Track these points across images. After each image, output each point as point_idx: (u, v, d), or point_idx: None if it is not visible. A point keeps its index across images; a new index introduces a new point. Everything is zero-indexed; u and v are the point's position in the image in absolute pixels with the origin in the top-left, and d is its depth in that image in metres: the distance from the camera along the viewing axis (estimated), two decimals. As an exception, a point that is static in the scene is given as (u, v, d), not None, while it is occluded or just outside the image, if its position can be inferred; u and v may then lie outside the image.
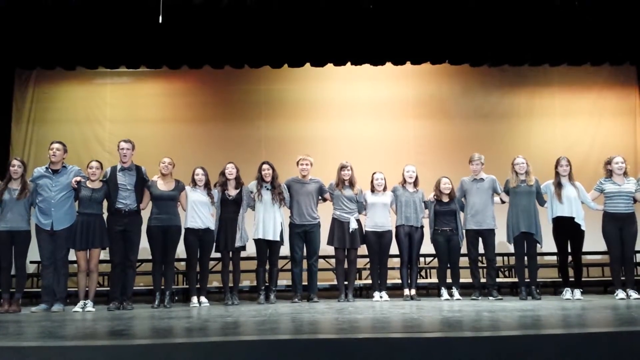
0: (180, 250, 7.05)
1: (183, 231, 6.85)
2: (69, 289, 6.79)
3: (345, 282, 7.24)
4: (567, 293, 6.90)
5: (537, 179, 7.20)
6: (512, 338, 3.72)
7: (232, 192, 7.03)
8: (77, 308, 6.29)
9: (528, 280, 7.12)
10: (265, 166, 7.10)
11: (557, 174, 7.08)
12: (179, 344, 3.73)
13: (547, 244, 7.34)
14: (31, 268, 8.60)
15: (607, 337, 3.75)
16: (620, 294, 6.75)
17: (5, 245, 6.38)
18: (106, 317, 5.65)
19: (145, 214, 6.81)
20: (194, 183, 6.93)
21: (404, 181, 7.37)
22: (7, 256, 6.41)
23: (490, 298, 6.97)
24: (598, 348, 3.58)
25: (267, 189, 7.05)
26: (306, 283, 7.31)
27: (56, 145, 6.59)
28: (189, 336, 4.13)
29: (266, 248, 7.03)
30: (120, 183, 6.58)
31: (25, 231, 6.46)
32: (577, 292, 6.88)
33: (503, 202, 7.33)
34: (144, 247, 6.88)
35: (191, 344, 3.71)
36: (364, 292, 8.18)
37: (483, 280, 7.31)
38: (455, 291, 7.13)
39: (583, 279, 7.22)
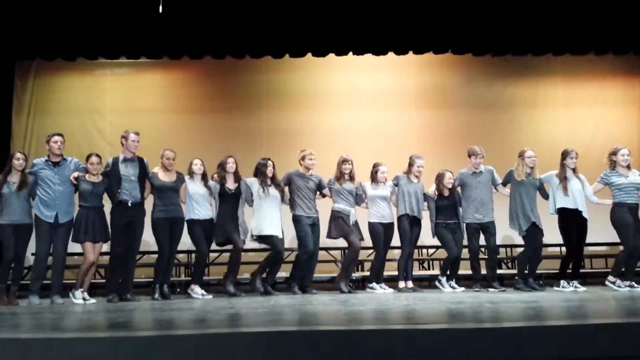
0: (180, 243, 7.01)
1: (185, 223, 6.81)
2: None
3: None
4: (566, 285, 6.85)
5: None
6: (517, 329, 3.70)
7: (232, 185, 6.97)
8: (79, 300, 6.27)
9: (526, 272, 7.08)
10: (270, 162, 7.02)
11: (564, 166, 6.99)
12: (183, 335, 3.71)
13: (548, 235, 7.29)
14: (30, 260, 8.59)
15: (610, 328, 3.73)
16: (619, 282, 6.72)
17: (9, 238, 6.29)
18: (108, 309, 5.63)
19: (147, 208, 6.75)
20: (192, 174, 6.88)
21: (409, 171, 7.31)
22: (11, 249, 6.34)
23: (491, 290, 6.92)
24: (600, 339, 3.56)
25: (270, 185, 6.98)
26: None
27: (59, 138, 6.47)
28: (193, 328, 4.11)
29: (271, 241, 6.93)
30: (123, 174, 6.49)
31: (27, 224, 6.41)
32: (576, 283, 6.86)
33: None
34: (144, 240, 6.84)
35: (195, 335, 3.69)
36: (366, 285, 8.14)
37: (482, 272, 7.26)
38: (454, 283, 7.12)
39: (586, 271, 7.20)
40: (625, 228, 6.77)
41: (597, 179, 7.08)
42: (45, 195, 6.36)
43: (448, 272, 7.20)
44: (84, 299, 6.30)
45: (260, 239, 6.93)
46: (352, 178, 7.21)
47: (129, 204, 6.46)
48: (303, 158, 7.18)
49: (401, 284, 7.18)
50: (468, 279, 7.41)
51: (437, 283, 7.23)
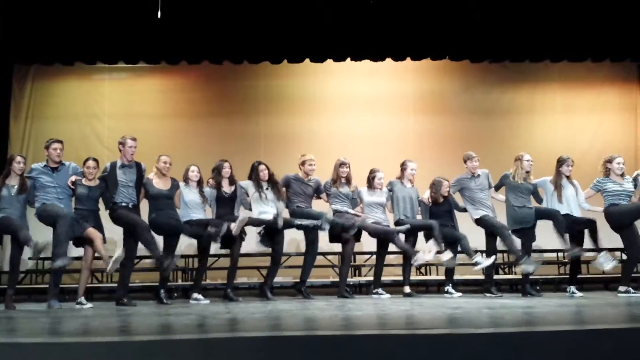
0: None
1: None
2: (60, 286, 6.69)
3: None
4: (568, 290, 6.87)
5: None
6: (515, 334, 3.70)
7: (228, 189, 6.96)
8: (118, 257, 6.18)
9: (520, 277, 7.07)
10: (262, 167, 6.98)
11: (559, 173, 6.99)
12: (181, 340, 3.70)
13: (545, 241, 7.30)
14: (29, 263, 8.58)
15: (609, 334, 3.73)
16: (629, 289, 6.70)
17: (14, 223, 6.13)
18: (106, 313, 5.62)
19: (143, 213, 6.73)
20: (187, 180, 6.86)
21: (402, 176, 7.33)
22: (22, 227, 6.14)
23: (488, 295, 6.90)
24: (599, 344, 3.56)
25: (267, 188, 6.98)
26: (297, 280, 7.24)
27: (59, 145, 6.39)
28: (192, 333, 4.10)
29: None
30: (120, 180, 6.47)
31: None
32: (573, 288, 6.87)
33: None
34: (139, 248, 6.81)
35: (192, 340, 3.68)
36: (363, 289, 8.15)
37: (480, 277, 7.24)
38: (450, 289, 7.12)
39: (584, 276, 7.19)
40: (624, 211, 6.73)
41: (590, 185, 7.08)
42: (47, 199, 6.30)
43: (441, 277, 7.18)
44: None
45: (265, 230, 6.85)
46: (348, 181, 7.21)
47: (130, 206, 6.46)
48: (303, 163, 7.14)
49: (406, 289, 7.15)
50: (466, 284, 7.40)
51: (475, 264, 6.94)
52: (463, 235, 7.10)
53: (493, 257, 6.95)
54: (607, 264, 6.72)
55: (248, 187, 7.00)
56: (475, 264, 6.95)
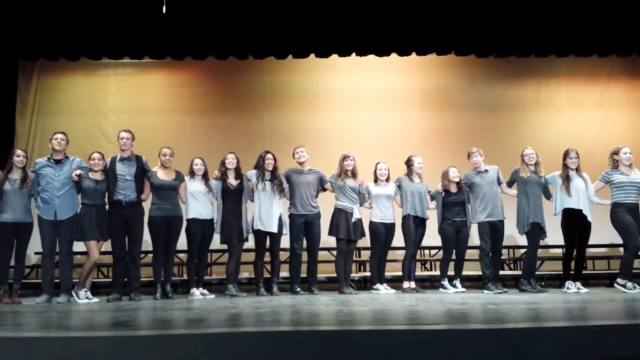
0: (179, 242, 7.00)
1: (184, 222, 6.81)
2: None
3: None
4: (571, 286, 6.84)
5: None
6: (519, 330, 3.69)
7: (233, 181, 6.98)
8: (83, 299, 6.28)
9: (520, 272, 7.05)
10: (269, 155, 7.05)
11: (565, 166, 6.96)
12: (185, 335, 3.71)
13: (552, 236, 7.28)
14: (34, 259, 8.62)
15: (613, 330, 3.72)
16: (629, 285, 6.65)
17: (8, 237, 6.33)
18: (110, 308, 5.64)
19: (146, 205, 6.76)
20: (193, 173, 6.89)
21: (410, 172, 7.32)
22: (10, 247, 6.37)
23: (486, 292, 6.89)
24: (603, 340, 3.55)
25: (268, 180, 7.00)
26: (304, 275, 7.22)
27: (60, 136, 6.54)
28: (195, 327, 4.11)
29: (265, 239, 6.98)
30: (119, 173, 6.53)
31: (29, 223, 6.41)
32: (578, 284, 6.83)
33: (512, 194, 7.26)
34: (145, 240, 6.84)
35: (196, 335, 3.69)
36: (368, 285, 8.13)
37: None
38: (458, 283, 7.10)
39: (589, 272, 7.15)
40: (626, 228, 6.70)
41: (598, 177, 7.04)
42: (45, 193, 6.38)
43: (450, 273, 7.18)
44: (87, 298, 6.32)
45: (255, 233, 6.98)
46: (354, 175, 7.22)
47: (123, 203, 6.49)
48: (294, 154, 7.25)
49: (405, 284, 7.18)
50: (470, 279, 7.37)
51: (440, 289, 7.15)
52: (452, 249, 7.13)
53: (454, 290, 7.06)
54: (572, 289, 6.79)
55: (252, 177, 7.04)
56: (442, 286, 7.11)
